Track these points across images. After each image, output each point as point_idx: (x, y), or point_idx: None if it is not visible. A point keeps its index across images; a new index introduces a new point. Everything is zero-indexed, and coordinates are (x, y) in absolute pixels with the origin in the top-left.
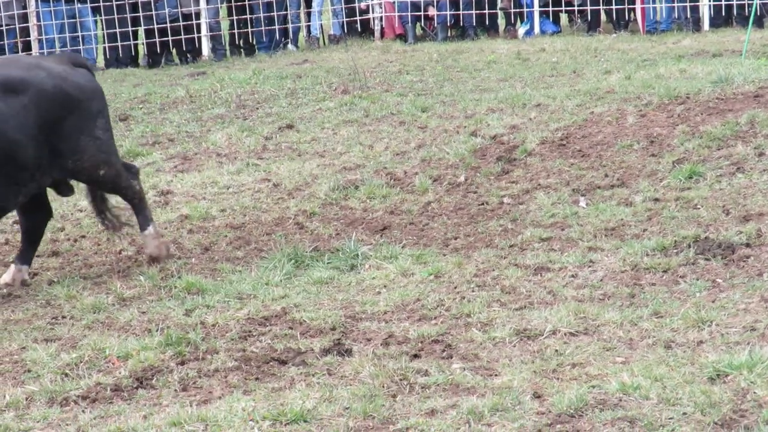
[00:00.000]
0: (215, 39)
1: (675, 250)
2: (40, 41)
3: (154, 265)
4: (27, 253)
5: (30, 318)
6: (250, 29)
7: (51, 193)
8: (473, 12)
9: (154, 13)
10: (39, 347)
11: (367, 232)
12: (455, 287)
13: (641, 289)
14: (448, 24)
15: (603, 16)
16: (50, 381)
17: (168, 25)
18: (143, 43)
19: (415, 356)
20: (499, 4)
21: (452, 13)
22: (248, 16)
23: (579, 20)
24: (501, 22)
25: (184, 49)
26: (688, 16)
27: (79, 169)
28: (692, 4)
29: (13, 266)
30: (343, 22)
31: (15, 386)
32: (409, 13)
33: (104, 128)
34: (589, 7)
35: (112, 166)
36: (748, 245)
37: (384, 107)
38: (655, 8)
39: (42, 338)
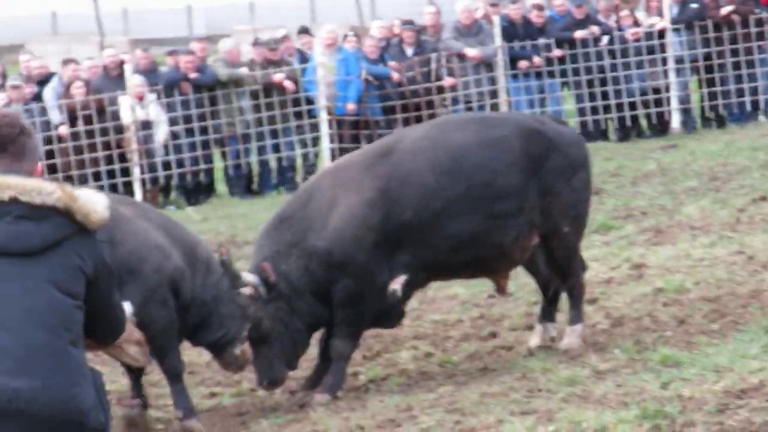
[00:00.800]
0: (685, 111)
1: None
2: None
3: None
4: (548, 310)
5: (506, 391)
6: (720, 101)
7: None
8: None
9: (624, 86)
10: (516, 420)
11: None
12: None
13: None
14: None
15: None
16: None
17: (638, 98)
18: (614, 118)
19: None
20: None
21: None
22: (719, 88)
23: None
24: None
25: (654, 122)
26: None
27: (547, 213)
28: None
29: (539, 326)
30: None
31: None
32: None
33: (583, 186)
34: None
35: (577, 233)
36: None
37: None
38: None
39: (519, 411)
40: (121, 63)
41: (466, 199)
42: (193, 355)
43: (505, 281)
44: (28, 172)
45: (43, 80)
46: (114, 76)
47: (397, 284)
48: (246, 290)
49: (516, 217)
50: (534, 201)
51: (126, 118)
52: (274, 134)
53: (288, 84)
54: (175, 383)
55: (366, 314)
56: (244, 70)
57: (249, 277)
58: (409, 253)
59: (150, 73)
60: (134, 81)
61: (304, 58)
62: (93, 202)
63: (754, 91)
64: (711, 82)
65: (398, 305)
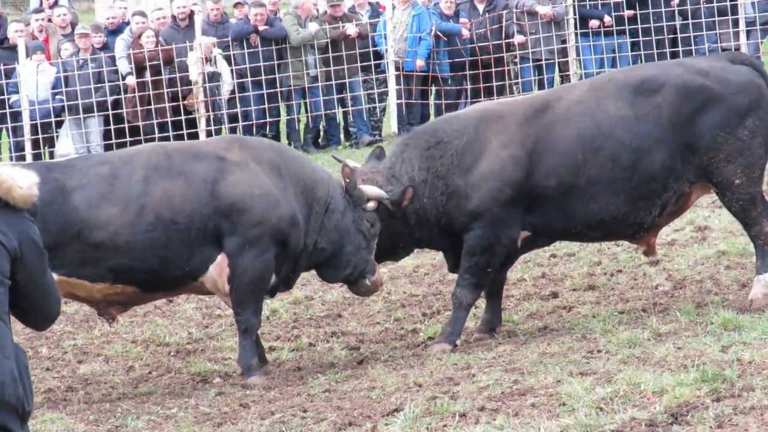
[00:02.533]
0: None
1: None
2: (579, 75)
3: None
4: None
5: (565, 351)
6: None
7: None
8: None
9: (693, 48)
10: (574, 381)
11: None
12: None
13: None
14: None
15: None
16: (585, 415)
17: None
18: None
19: None
20: None
21: None
22: None
23: None
24: None
25: None
26: None
27: (712, 168)
28: None
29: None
30: None
31: (550, 419)
32: None
33: (753, 132)
34: None
35: (751, 182)
36: None
37: None
38: None
39: (577, 372)
40: (190, 14)
41: (609, 179)
42: None
43: (652, 242)
44: None
45: (117, 30)
46: (183, 28)
47: (519, 238)
48: (371, 205)
49: (660, 195)
50: (680, 169)
51: (193, 71)
52: (341, 89)
53: (352, 32)
54: (244, 337)
55: (492, 265)
56: (314, 26)
57: (377, 192)
58: (541, 216)
59: (220, 24)
60: (205, 40)
61: (375, 12)
62: (16, 179)
63: None
64: None
65: (514, 257)
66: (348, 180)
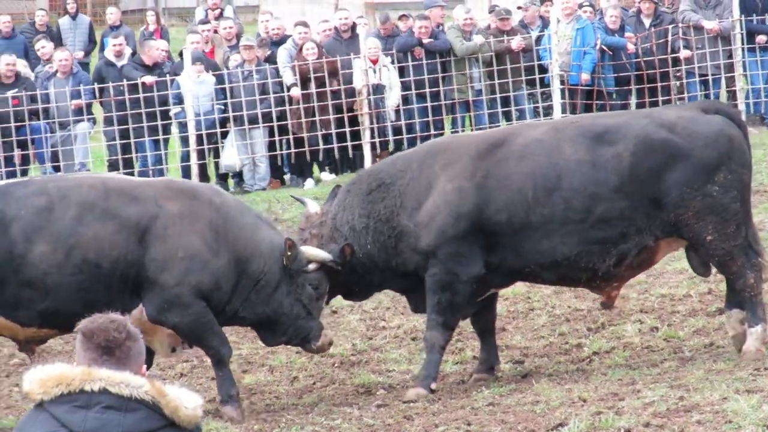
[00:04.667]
0: None
1: None
2: (745, 91)
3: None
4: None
5: (732, 368)
6: None
7: None
8: None
9: None
10: (740, 398)
11: None
12: None
13: None
14: None
15: None
16: None
17: None
18: None
19: None
20: None
21: None
22: None
23: None
24: None
25: None
26: None
27: (682, 224)
28: None
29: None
30: None
31: None
32: None
33: (724, 186)
34: None
35: (726, 237)
36: None
37: None
38: None
39: (744, 389)
40: (353, 26)
41: (561, 220)
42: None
43: (613, 295)
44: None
45: (280, 41)
46: (345, 39)
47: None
48: (312, 267)
49: (617, 243)
50: (644, 222)
51: (358, 81)
52: (505, 102)
53: (515, 45)
54: (219, 368)
55: (456, 304)
56: (479, 38)
57: (320, 255)
58: (494, 253)
59: (389, 38)
60: (369, 44)
61: (545, 26)
62: (183, 399)
63: None
64: None
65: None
66: (289, 254)
